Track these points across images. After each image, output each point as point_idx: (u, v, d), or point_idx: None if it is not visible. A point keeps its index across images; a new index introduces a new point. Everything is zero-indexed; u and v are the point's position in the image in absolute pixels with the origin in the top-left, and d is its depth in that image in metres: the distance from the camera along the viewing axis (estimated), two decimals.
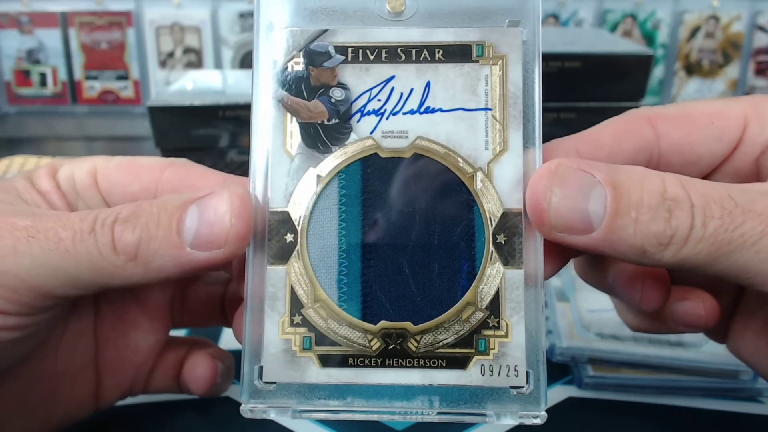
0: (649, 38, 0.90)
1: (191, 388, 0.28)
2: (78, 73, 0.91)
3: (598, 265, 0.26)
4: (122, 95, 0.91)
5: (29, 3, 0.89)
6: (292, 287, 0.22)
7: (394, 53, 0.22)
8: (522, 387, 0.21)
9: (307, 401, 0.21)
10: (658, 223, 0.19)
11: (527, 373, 0.21)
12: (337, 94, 0.22)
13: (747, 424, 0.31)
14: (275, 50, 0.22)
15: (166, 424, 0.31)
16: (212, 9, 0.89)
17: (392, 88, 0.22)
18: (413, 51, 0.21)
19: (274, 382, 0.22)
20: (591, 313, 0.37)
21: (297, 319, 0.22)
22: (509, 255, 0.21)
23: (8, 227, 0.22)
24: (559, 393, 0.33)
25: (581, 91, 0.59)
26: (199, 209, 0.22)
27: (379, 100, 0.22)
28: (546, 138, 0.23)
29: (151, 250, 0.22)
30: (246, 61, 0.90)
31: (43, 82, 0.91)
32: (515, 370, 0.21)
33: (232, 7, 0.89)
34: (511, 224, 0.21)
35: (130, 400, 0.29)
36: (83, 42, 0.90)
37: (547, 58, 0.58)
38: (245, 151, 0.62)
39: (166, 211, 0.22)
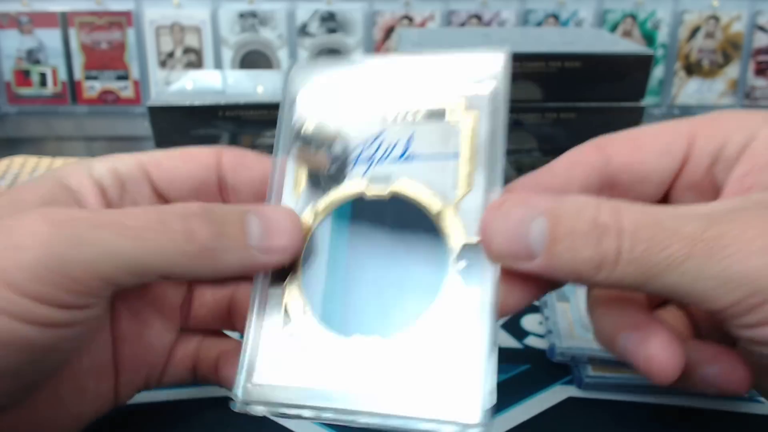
0: (649, 38, 0.90)
1: (210, 375, 0.28)
2: (78, 73, 0.91)
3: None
4: (122, 95, 0.91)
5: (29, 3, 0.89)
6: (286, 305, 0.25)
7: (386, 116, 0.27)
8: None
9: (293, 402, 0.24)
10: (589, 248, 0.21)
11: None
12: (337, 148, 0.26)
13: (747, 424, 0.31)
14: (295, 116, 0.27)
15: (159, 425, 0.31)
16: (212, 9, 0.89)
17: (381, 141, 0.26)
18: (402, 114, 0.26)
19: (266, 384, 0.24)
20: None
21: (289, 330, 0.25)
22: (468, 282, 0.23)
23: (68, 219, 0.22)
24: (559, 393, 0.33)
25: (581, 91, 0.59)
26: (263, 217, 0.25)
27: (369, 150, 0.26)
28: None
29: (223, 244, 0.23)
30: (246, 61, 0.90)
31: (43, 82, 0.91)
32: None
33: (232, 7, 0.89)
34: (471, 254, 0.24)
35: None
36: (83, 42, 0.90)
37: (547, 58, 0.58)
38: None
39: (234, 212, 0.24)
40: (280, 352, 0.25)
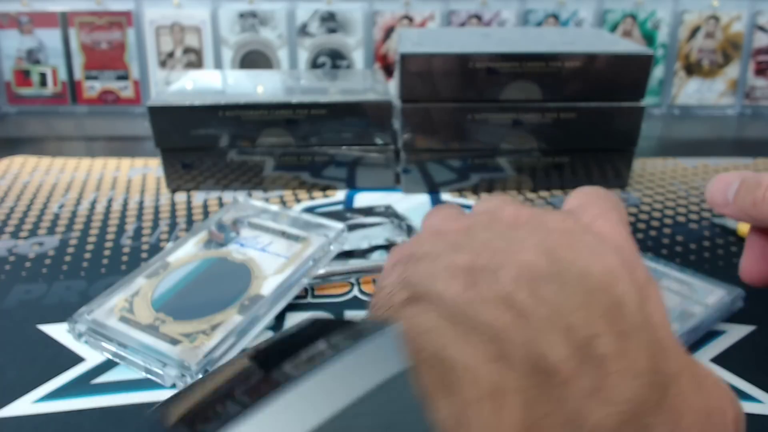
0: (649, 38, 0.90)
1: None
2: (78, 73, 0.91)
3: None
4: (122, 95, 0.91)
5: (29, 3, 0.89)
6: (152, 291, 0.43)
7: (272, 231, 0.49)
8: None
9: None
10: (750, 194, 0.36)
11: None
12: (232, 235, 0.48)
13: (747, 424, 0.31)
14: (222, 216, 0.51)
15: None
16: (212, 9, 0.89)
17: (257, 237, 0.48)
18: (275, 227, 0.49)
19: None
20: None
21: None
22: (248, 306, 0.41)
23: None
24: None
25: (581, 91, 0.59)
26: None
27: (247, 241, 0.48)
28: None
29: None
30: (246, 61, 0.90)
31: (43, 82, 0.91)
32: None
33: (232, 7, 0.89)
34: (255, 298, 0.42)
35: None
36: (83, 42, 0.90)
37: (547, 58, 0.58)
38: (245, 151, 0.62)
39: None
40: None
